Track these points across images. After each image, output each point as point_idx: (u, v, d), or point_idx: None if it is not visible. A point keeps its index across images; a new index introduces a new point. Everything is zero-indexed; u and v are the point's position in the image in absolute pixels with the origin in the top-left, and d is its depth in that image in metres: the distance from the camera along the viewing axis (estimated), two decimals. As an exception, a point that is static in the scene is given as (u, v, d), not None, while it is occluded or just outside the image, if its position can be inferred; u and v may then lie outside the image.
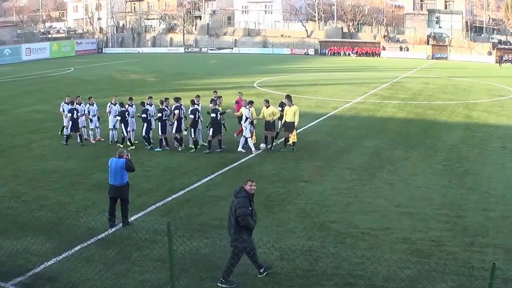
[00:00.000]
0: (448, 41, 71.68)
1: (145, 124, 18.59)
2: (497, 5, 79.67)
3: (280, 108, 19.12)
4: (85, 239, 10.71)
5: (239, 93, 21.85)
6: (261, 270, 9.16)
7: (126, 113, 18.77)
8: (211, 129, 18.03)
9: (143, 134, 18.77)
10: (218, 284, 8.92)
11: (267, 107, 18.42)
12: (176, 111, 18.24)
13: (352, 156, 17.99)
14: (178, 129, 18.40)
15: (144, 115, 18.60)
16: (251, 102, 18.57)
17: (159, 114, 18.36)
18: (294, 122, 18.03)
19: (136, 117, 19.63)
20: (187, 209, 12.82)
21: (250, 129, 18.13)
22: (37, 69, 53.28)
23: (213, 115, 17.96)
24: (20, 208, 12.27)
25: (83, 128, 20.09)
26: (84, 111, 20.13)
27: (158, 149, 18.56)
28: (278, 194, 13.93)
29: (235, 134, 19.54)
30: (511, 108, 28.41)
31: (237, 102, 20.46)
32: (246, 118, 18.06)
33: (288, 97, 18.90)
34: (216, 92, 20.82)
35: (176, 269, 8.32)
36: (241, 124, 18.65)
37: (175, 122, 18.24)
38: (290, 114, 18.04)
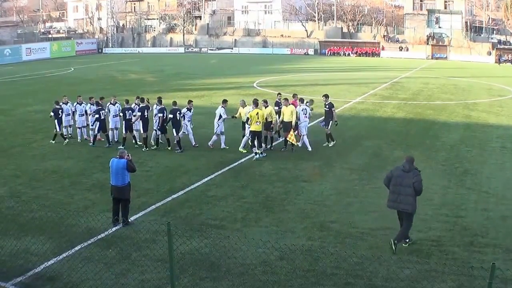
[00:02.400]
0: (448, 41, 71.69)
1: (99, 123, 18.95)
2: (496, 5, 79.64)
3: (327, 107, 19.23)
4: (85, 239, 10.72)
5: (294, 95, 20.69)
6: (407, 240, 10.53)
7: (60, 110, 19.58)
8: (174, 130, 18.24)
9: (95, 132, 19.27)
10: (403, 244, 10.40)
11: (265, 107, 18.41)
12: (139, 113, 18.44)
13: (352, 156, 18.00)
14: (145, 129, 18.63)
15: (97, 115, 18.94)
16: (310, 101, 18.75)
17: (121, 114, 18.82)
18: (291, 121, 18.03)
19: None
20: (187, 209, 12.82)
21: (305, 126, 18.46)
22: (37, 69, 53.30)
23: (170, 115, 18.21)
24: (20, 208, 12.31)
25: (83, 128, 20.22)
26: (86, 110, 20.20)
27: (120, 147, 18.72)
28: (278, 194, 13.94)
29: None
30: (510, 108, 28.42)
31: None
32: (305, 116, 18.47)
33: (326, 96, 19.37)
34: (280, 94, 20.98)
35: (176, 269, 8.33)
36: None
37: (141, 122, 18.49)
38: (288, 114, 18.04)
